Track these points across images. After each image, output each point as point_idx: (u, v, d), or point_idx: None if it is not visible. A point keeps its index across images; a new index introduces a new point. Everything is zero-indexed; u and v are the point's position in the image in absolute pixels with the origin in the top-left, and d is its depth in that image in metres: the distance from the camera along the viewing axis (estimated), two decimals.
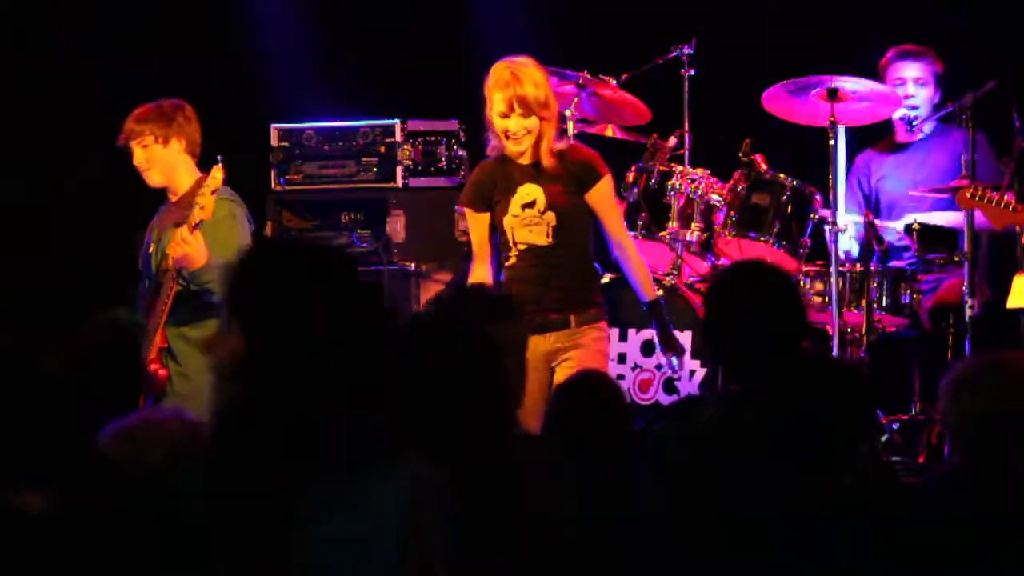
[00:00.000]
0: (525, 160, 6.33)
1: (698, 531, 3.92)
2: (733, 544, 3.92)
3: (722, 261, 7.58)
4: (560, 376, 6.23)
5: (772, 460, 3.96)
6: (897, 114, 7.75)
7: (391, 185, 8.06)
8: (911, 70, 7.75)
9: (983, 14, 8.20)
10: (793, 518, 3.91)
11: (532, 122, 6.25)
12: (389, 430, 3.09)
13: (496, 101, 6.26)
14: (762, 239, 7.37)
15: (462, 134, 8.17)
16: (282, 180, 8.16)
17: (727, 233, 7.39)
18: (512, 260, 6.37)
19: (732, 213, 7.37)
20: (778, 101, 7.46)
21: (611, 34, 6.56)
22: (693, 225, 7.37)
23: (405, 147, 8.05)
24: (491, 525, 3.37)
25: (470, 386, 3.49)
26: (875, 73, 7.64)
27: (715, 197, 7.40)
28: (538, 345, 6.19)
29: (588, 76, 7.44)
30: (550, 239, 6.33)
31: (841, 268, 7.29)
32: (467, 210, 6.44)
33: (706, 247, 7.52)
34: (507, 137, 6.28)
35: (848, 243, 7.57)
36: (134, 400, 5.80)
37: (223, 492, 2.85)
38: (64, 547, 2.61)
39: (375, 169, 8.10)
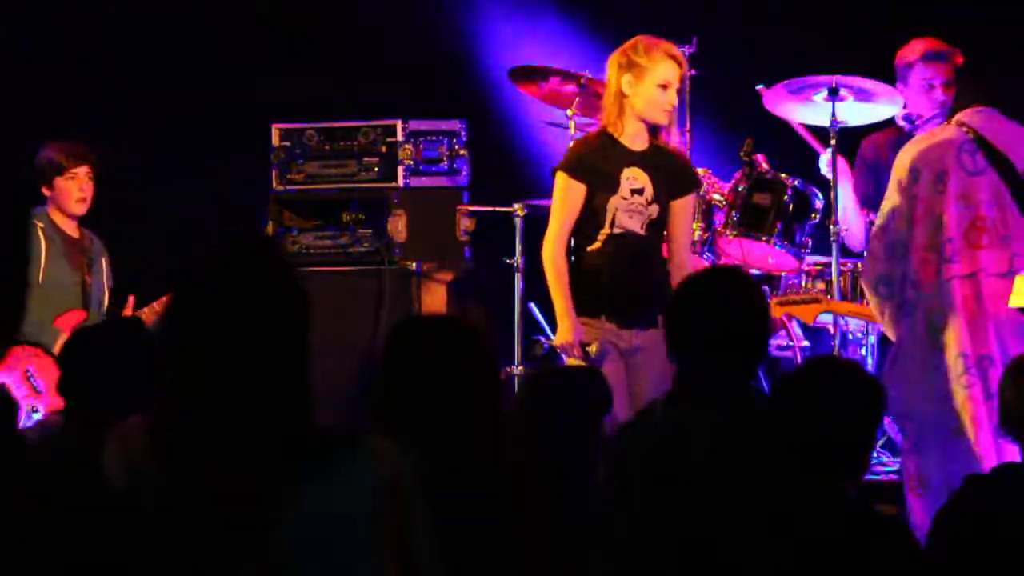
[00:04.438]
0: (634, 144, 6.25)
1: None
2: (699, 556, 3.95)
3: (723, 261, 7.58)
4: (633, 380, 6.14)
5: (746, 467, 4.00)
6: (899, 114, 7.74)
7: (392, 185, 8.05)
8: (942, 73, 7.64)
9: (984, 13, 8.20)
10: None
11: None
12: (348, 421, 3.08)
13: (663, 70, 6.17)
14: (763, 239, 7.37)
15: (464, 133, 8.16)
16: (283, 180, 8.16)
17: (728, 233, 7.39)
18: (597, 244, 6.22)
19: (733, 213, 7.37)
20: (779, 100, 7.46)
21: (612, 34, 6.55)
22: (695, 225, 7.37)
23: (406, 147, 8.04)
24: (477, 518, 3.39)
25: (462, 382, 3.50)
26: (875, 73, 7.61)
27: (716, 197, 7.41)
28: (622, 337, 6.14)
29: (590, 76, 7.44)
30: (643, 231, 6.24)
31: (842, 267, 7.30)
32: (567, 178, 6.22)
33: (707, 247, 7.52)
34: (662, 108, 6.20)
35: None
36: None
37: (175, 494, 2.83)
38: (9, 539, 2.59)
39: (376, 169, 8.09)
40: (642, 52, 6.21)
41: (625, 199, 6.19)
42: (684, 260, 6.36)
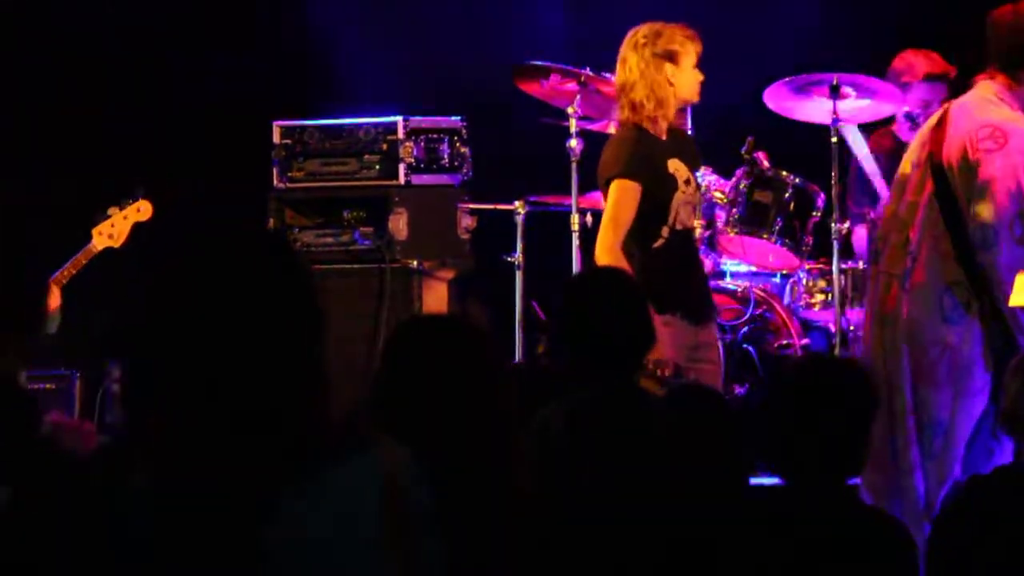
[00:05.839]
0: (662, 135, 6.17)
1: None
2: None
3: (725, 259, 7.59)
4: (699, 377, 5.91)
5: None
6: (899, 111, 7.74)
7: (393, 182, 8.03)
8: (940, 91, 7.63)
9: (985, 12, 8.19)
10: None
11: None
12: (354, 419, 3.08)
13: (694, 49, 6.14)
14: (764, 236, 7.37)
15: (464, 131, 8.16)
16: (284, 178, 8.15)
17: (729, 231, 7.39)
18: (662, 241, 6.07)
19: (734, 211, 7.37)
20: (780, 98, 7.46)
21: (612, 32, 6.55)
22: (695, 223, 7.36)
23: (407, 144, 8.03)
24: (478, 520, 3.39)
25: (465, 382, 3.50)
26: (876, 71, 7.61)
27: (717, 195, 7.41)
28: (694, 334, 6.01)
29: (590, 74, 7.44)
30: (692, 221, 6.18)
31: (843, 266, 7.31)
32: (626, 182, 6.03)
33: (709, 245, 7.52)
34: (697, 88, 6.17)
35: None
36: None
37: (174, 493, 2.82)
38: (26, 542, 2.59)
39: (377, 166, 8.08)
40: (673, 39, 6.15)
41: (683, 192, 6.11)
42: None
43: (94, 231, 7.19)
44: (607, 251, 5.98)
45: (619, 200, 6.03)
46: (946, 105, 5.83)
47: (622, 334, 4.38)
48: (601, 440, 4.20)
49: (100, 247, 7.17)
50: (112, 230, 7.17)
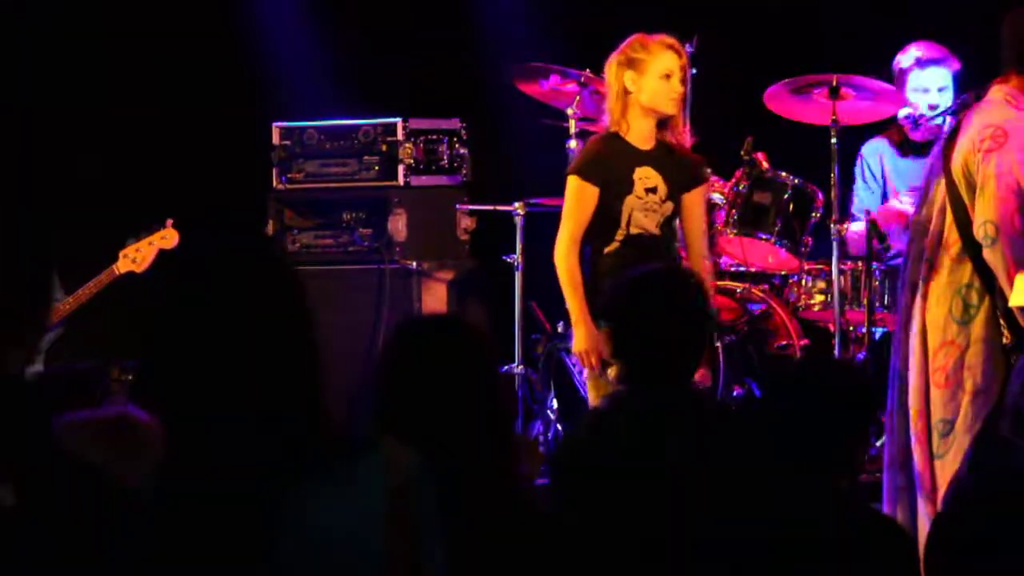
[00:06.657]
0: (642, 144, 6.25)
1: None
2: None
3: (724, 259, 7.59)
4: None
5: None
6: (902, 112, 7.73)
7: (393, 183, 8.06)
8: (936, 78, 7.63)
9: (987, 11, 8.20)
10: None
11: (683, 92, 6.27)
12: (357, 420, 3.08)
13: (664, 60, 6.19)
14: (763, 238, 7.37)
15: (464, 132, 8.16)
16: (284, 179, 8.16)
17: (729, 231, 7.39)
18: (615, 245, 6.18)
19: (733, 211, 7.37)
20: (780, 99, 7.46)
21: (613, 32, 6.56)
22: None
23: (407, 145, 8.04)
24: (481, 521, 3.39)
25: (463, 382, 3.50)
26: (877, 71, 7.61)
27: (716, 196, 7.40)
28: None
29: (590, 74, 7.44)
30: (658, 230, 6.22)
31: (843, 267, 7.31)
32: (580, 181, 6.18)
33: (708, 245, 7.51)
34: (669, 97, 6.21)
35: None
36: None
37: (182, 494, 2.82)
38: (33, 541, 2.60)
39: (377, 167, 8.10)
40: (639, 47, 6.22)
41: (640, 198, 6.17)
42: (702, 250, 6.36)
43: (120, 253, 7.31)
44: (558, 244, 6.17)
45: (568, 195, 6.21)
46: (963, 113, 5.83)
47: (678, 342, 4.36)
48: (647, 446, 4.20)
49: (123, 270, 7.30)
50: (137, 255, 7.31)
